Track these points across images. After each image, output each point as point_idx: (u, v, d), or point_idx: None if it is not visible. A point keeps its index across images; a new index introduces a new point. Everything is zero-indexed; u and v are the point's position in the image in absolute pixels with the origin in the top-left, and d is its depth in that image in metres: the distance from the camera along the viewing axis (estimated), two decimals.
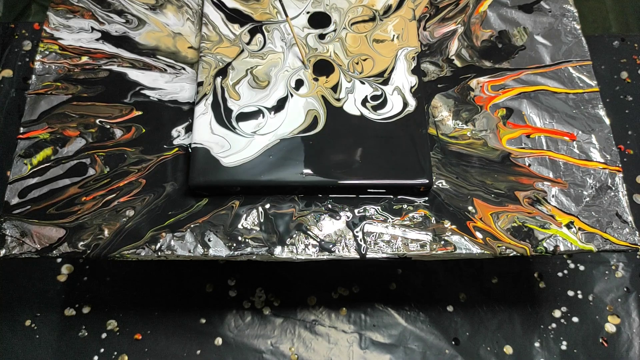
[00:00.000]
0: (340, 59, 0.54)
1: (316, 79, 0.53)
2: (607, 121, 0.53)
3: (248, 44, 0.55)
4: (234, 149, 0.49)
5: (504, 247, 0.48)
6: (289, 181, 0.48)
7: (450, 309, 0.63)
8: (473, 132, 0.53)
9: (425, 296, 0.64)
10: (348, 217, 0.49)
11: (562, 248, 0.48)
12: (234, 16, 0.56)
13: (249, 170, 0.48)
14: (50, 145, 0.51)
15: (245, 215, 0.49)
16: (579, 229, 0.49)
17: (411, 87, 0.53)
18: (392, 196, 0.50)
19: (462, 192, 0.50)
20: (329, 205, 0.49)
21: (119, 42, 0.56)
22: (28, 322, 0.61)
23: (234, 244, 0.47)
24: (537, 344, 0.61)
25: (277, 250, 0.47)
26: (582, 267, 0.65)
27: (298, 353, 0.61)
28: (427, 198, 0.50)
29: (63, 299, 0.63)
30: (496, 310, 0.63)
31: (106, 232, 0.47)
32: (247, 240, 0.48)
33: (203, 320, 0.62)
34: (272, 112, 0.51)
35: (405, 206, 0.50)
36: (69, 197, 0.49)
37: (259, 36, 0.55)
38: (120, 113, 0.53)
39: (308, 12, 0.56)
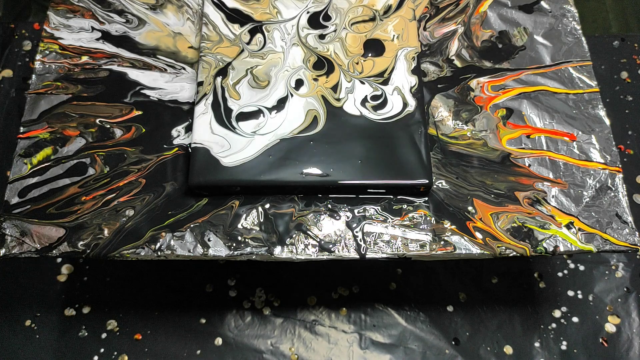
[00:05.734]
0: (340, 58, 0.54)
1: (316, 79, 0.53)
2: (607, 121, 0.53)
3: (248, 43, 0.55)
4: (234, 148, 0.49)
5: (503, 248, 0.48)
6: (289, 181, 0.48)
7: (450, 309, 0.63)
8: (473, 132, 0.53)
9: (425, 296, 0.64)
10: (348, 217, 0.49)
11: (562, 248, 0.48)
12: (234, 16, 0.56)
13: (249, 170, 0.48)
14: (50, 144, 0.51)
15: (245, 215, 0.49)
16: (579, 229, 0.49)
17: (411, 87, 0.53)
18: (392, 196, 0.50)
19: (462, 192, 0.50)
20: (329, 205, 0.49)
21: (119, 42, 0.56)
22: (28, 322, 0.61)
23: (234, 244, 0.47)
24: (537, 344, 0.61)
25: (277, 250, 0.47)
26: (582, 267, 0.65)
27: (298, 353, 0.61)
28: (427, 198, 0.50)
29: (63, 299, 0.63)
30: (496, 310, 0.63)
31: (106, 232, 0.47)
32: (246, 240, 0.48)
33: (203, 320, 0.62)
34: (273, 112, 0.51)
35: (405, 206, 0.50)
36: (69, 197, 0.49)
37: (259, 36, 0.55)
38: (120, 113, 0.53)
39: (308, 12, 0.56)
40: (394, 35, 0.55)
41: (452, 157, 0.52)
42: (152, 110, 0.53)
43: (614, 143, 0.52)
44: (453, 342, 0.62)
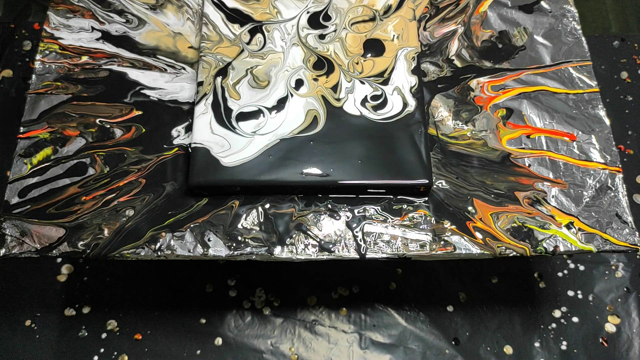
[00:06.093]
0: (340, 58, 0.54)
1: (316, 79, 0.53)
2: (607, 121, 0.53)
3: (248, 43, 0.55)
4: (234, 148, 0.49)
5: (503, 248, 0.48)
6: (289, 181, 0.48)
7: (450, 309, 0.63)
8: (473, 132, 0.53)
9: (425, 296, 0.64)
10: (348, 217, 0.49)
11: (561, 248, 0.48)
12: (234, 16, 0.56)
13: (249, 170, 0.48)
14: (50, 144, 0.51)
15: (245, 215, 0.49)
16: (579, 229, 0.49)
17: (411, 87, 0.53)
18: (392, 196, 0.50)
19: (462, 192, 0.50)
20: (329, 205, 0.49)
21: (119, 42, 0.56)
22: (28, 322, 0.61)
23: (234, 244, 0.47)
24: (537, 344, 0.61)
25: (277, 250, 0.47)
26: (582, 267, 0.65)
27: (298, 353, 0.61)
28: (427, 198, 0.50)
29: (63, 299, 0.63)
30: (496, 310, 0.63)
31: (106, 232, 0.47)
32: (246, 240, 0.48)
33: (203, 320, 0.62)
34: (273, 112, 0.51)
35: (405, 206, 0.50)
36: (69, 197, 0.49)
37: (259, 36, 0.55)
38: (120, 113, 0.53)
39: (308, 12, 0.56)
40: (394, 35, 0.55)
41: (452, 157, 0.52)
42: (152, 110, 0.53)
43: (614, 143, 0.52)
44: (453, 342, 0.62)
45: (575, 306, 0.63)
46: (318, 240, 0.48)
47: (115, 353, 0.60)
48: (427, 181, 0.48)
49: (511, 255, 0.48)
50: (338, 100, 0.52)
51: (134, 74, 0.55)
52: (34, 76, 0.54)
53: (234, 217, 0.49)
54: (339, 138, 0.50)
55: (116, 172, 0.50)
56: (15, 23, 0.78)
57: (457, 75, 0.56)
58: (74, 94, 0.53)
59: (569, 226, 0.49)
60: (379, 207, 0.49)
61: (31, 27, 0.78)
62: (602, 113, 0.54)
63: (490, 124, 0.53)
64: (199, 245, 0.47)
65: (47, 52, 0.55)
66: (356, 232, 0.48)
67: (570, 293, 0.64)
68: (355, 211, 0.49)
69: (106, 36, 0.56)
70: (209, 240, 0.48)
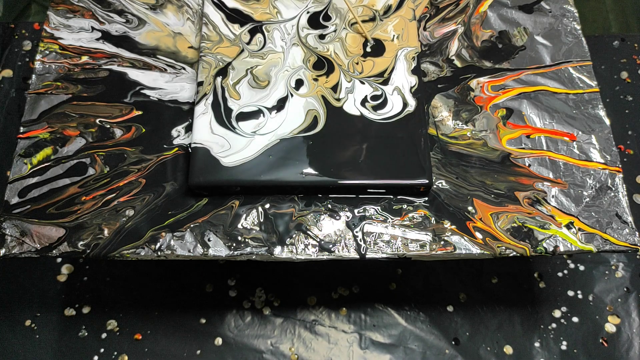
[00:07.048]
0: (340, 59, 0.54)
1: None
2: (607, 121, 0.53)
3: (248, 43, 0.55)
4: (234, 148, 0.49)
5: (503, 248, 0.48)
6: (289, 181, 0.48)
7: (450, 309, 0.63)
8: (473, 132, 0.53)
9: (425, 296, 0.64)
10: (348, 217, 0.49)
11: (562, 248, 0.48)
12: (234, 16, 0.56)
13: (249, 170, 0.48)
14: (50, 144, 0.51)
15: (245, 215, 0.49)
16: (579, 229, 0.49)
17: (411, 87, 0.53)
18: (392, 196, 0.50)
19: (462, 192, 0.50)
20: (329, 205, 0.49)
21: (119, 42, 0.56)
22: (28, 322, 0.61)
23: (234, 244, 0.47)
24: (537, 344, 0.61)
25: (277, 250, 0.47)
26: (582, 267, 0.65)
27: (298, 353, 0.61)
28: (427, 198, 0.50)
29: (63, 299, 0.63)
30: (496, 310, 0.63)
31: (106, 232, 0.47)
32: (246, 240, 0.48)
33: (203, 320, 0.62)
34: (273, 112, 0.51)
35: (405, 206, 0.50)
36: (69, 197, 0.49)
37: (259, 36, 0.55)
38: (120, 113, 0.53)
39: (308, 12, 0.56)
40: (394, 35, 0.55)
41: (452, 157, 0.52)
42: (152, 110, 0.53)
43: (614, 143, 0.52)
44: (453, 342, 0.62)
45: (575, 306, 0.63)
46: (318, 240, 0.48)
47: (115, 353, 0.60)
48: (427, 181, 0.48)
49: (511, 255, 0.48)
50: (338, 100, 0.52)
51: (134, 74, 0.55)
52: (34, 76, 0.54)
53: (234, 217, 0.49)
54: (338, 138, 0.50)
55: (116, 172, 0.50)
56: (15, 23, 0.78)
57: (457, 75, 0.56)
58: (74, 94, 0.53)
59: (569, 226, 0.49)
60: (379, 207, 0.49)
61: (31, 27, 0.78)
62: (602, 113, 0.54)
63: (490, 124, 0.53)
64: (199, 245, 0.47)
65: (47, 52, 0.55)
66: (356, 232, 0.48)
67: (570, 293, 0.64)
68: (355, 211, 0.49)
69: (106, 36, 0.56)
70: (209, 240, 0.48)
